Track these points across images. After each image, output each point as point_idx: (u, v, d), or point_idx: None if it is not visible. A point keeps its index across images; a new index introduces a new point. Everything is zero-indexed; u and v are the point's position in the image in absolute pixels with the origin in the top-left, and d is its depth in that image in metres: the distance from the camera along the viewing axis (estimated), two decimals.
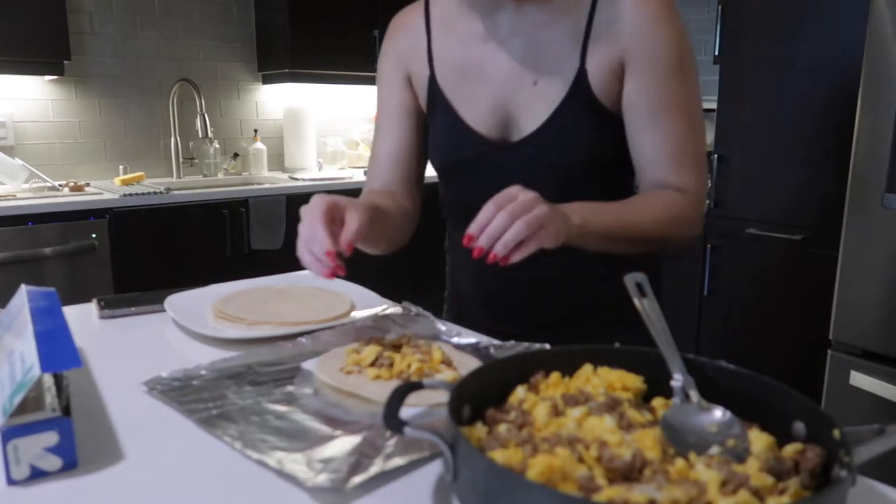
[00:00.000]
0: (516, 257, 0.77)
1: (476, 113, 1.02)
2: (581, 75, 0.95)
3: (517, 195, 0.78)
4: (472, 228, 0.77)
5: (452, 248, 1.17)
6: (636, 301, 0.64)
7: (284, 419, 0.68)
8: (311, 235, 0.82)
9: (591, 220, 0.86)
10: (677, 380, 0.60)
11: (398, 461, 0.60)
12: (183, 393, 0.75)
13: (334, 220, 0.83)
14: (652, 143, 0.95)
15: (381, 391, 0.71)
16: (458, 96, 1.03)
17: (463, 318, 1.08)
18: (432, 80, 1.05)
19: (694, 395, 0.59)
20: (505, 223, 0.75)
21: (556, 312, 1.06)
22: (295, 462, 0.60)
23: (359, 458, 0.60)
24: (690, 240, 0.99)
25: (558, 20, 0.96)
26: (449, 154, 1.05)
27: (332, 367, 0.78)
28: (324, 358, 0.82)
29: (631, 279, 0.65)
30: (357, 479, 0.57)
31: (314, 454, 0.61)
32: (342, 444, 0.63)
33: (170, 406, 0.73)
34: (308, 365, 0.82)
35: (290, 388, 0.76)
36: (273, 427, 0.67)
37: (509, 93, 0.99)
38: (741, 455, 0.53)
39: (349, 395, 0.73)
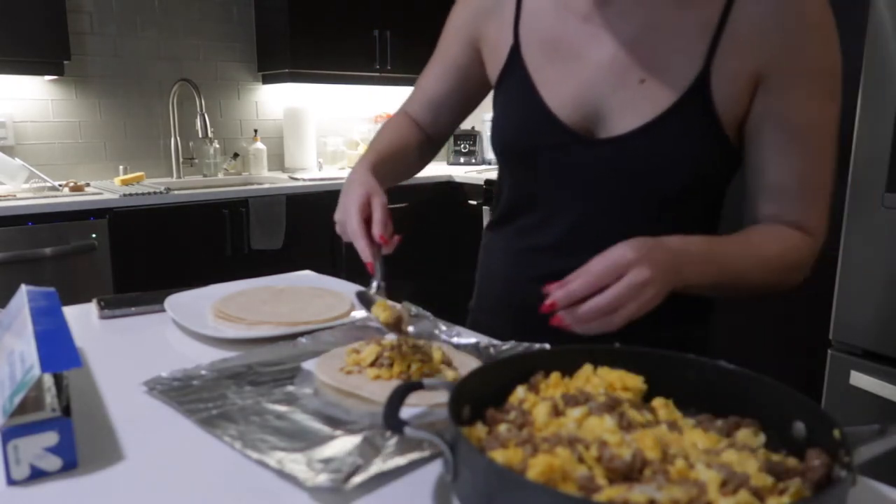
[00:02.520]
0: (592, 330, 0.68)
1: (559, 99, 0.89)
2: (702, 80, 0.81)
3: (628, 268, 0.66)
4: (559, 292, 0.67)
5: (490, 246, 1.05)
6: None
7: (284, 419, 0.68)
8: (353, 239, 0.84)
9: (699, 278, 0.74)
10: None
11: (398, 461, 0.60)
12: (183, 393, 0.75)
13: (368, 219, 0.85)
14: (783, 171, 0.82)
15: (381, 391, 0.71)
16: (542, 76, 0.91)
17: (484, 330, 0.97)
18: (515, 52, 0.93)
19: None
20: (606, 307, 0.65)
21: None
22: (295, 462, 0.60)
23: (359, 458, 0.60)
24: (795, 285, 0.85)
25: (685, 9, 0.82)
26: (522, 138, 0.92)
27: (332, 367, 0.78)
28: (324, 358, 0.82)
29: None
30: (357, 479, 0.57)
31: (314, 454, 0.61)
32: (342, 444, 0.63)
33: (170, 406, 0.73)
34: (308, 365, 0.82)
35: (290, 388, 0.76)
36: (273, 427, 0.67)
37: (606, 85, 0.86)
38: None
39: (349, 395, 0.73)
